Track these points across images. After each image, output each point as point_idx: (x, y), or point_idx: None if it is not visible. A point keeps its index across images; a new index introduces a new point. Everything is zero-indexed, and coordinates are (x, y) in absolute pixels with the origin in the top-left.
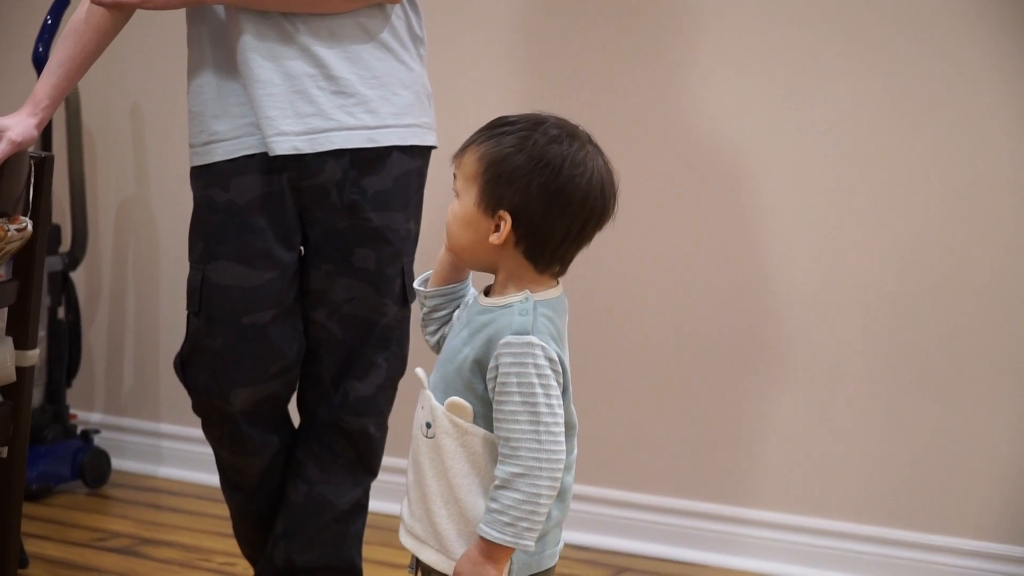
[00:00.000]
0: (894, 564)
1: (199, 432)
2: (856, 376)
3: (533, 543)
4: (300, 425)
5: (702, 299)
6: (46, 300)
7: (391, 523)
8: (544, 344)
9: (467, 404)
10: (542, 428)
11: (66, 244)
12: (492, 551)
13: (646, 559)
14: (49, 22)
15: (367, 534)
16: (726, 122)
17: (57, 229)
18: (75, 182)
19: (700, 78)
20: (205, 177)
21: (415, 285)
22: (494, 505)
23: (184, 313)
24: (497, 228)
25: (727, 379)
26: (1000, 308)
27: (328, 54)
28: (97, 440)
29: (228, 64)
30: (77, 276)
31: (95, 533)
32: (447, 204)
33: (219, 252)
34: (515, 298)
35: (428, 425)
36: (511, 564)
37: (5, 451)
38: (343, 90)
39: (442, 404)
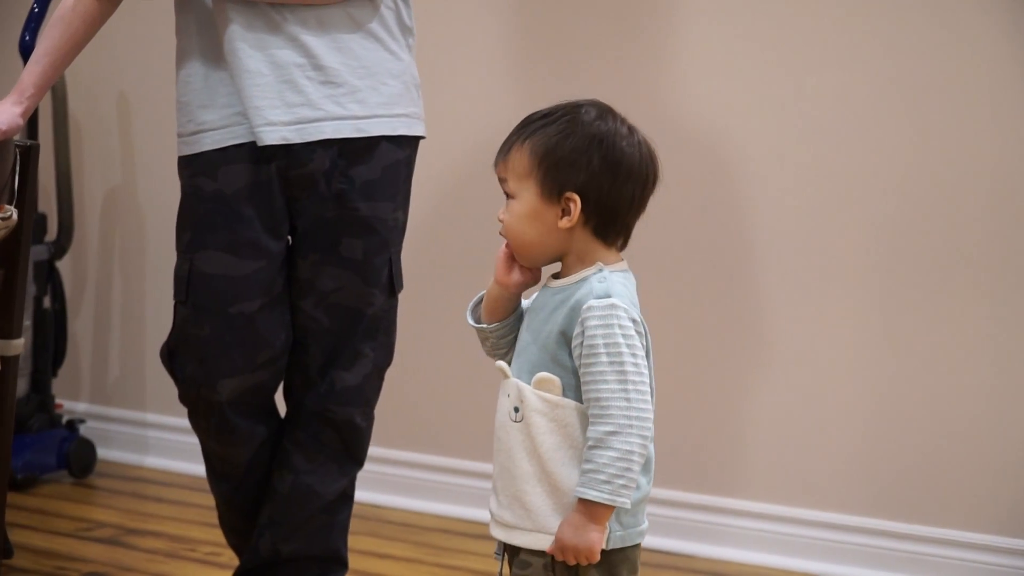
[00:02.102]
0: (882, 555)
1: (185, 422)
2: (844, 367)
3: (629, 502)
4: (287, 415)
5: (689, 290)
6: (31, 289)
7: (377, 513)
8: (626, 306)
9: (555, 377)
10: (631, 387)
11: (52, 233)
12: (592, 512)
13: None
14: (36, 10)
15: (353, 524)
16: (710, 112)
17: (43, 218)
18: (61, 171)
19: (683, 67)
20: (193, 166)
21: (469, 321)
22: (588, 466)
23: (170, 303)
24: (565, 212)
25: (714, 369)
26: (987, 302)
27: (317, 44)
28: (83, 430)
29: (216, 54)
30: (63, 265)
31: (80, 523)
32: (435, 194)
33: (207, 241)
34: (589, 271)
35: (516, 410)
36: (608, 534)
37: None
38: (332, 80)
39: (529, 385)
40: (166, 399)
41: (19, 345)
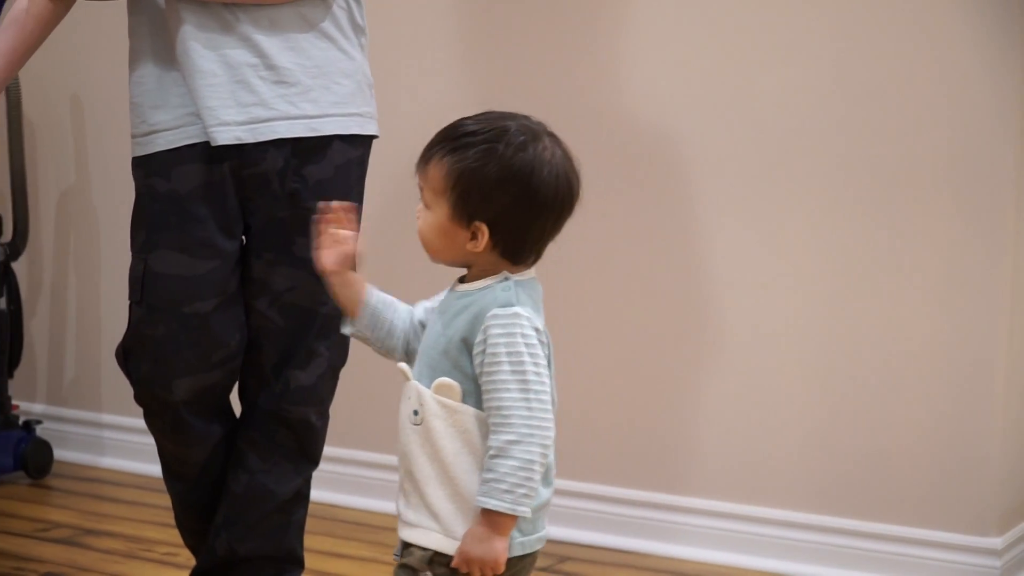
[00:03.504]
0: (830, 551)
1: (141, 423)
2: (792, 363)
3: (530, 511)
4: (241, 414)
5: (637, 286)
6: None
7: (333, 512)
8: (529, 315)
9: (455, 383)
10: (532, 396)
11: (7, 235)
12: (494, 522)
13: (587, 548)
14: None
15: (309, 523)
16: (663, 108)
17: None
18: (15, 172)
19: (635, 63)
20: (146, 167)
21: (343, 331)
22: (490, 475)
23: (126, 303)
24: (474, 236)
25: (664, 366)
26: (943, 309)
27: (269, 43)
28: (39, 430)
29: (168, 54)
30: (18, 267)
31: (37, 524)
32: (388, 193)
33: (161, 241)
34: (494, 279)
35: (415, 412)
36: (511, 542)
37: None
38: (284, 80)
39: (429, 388)
40: (122, 400)
41: None
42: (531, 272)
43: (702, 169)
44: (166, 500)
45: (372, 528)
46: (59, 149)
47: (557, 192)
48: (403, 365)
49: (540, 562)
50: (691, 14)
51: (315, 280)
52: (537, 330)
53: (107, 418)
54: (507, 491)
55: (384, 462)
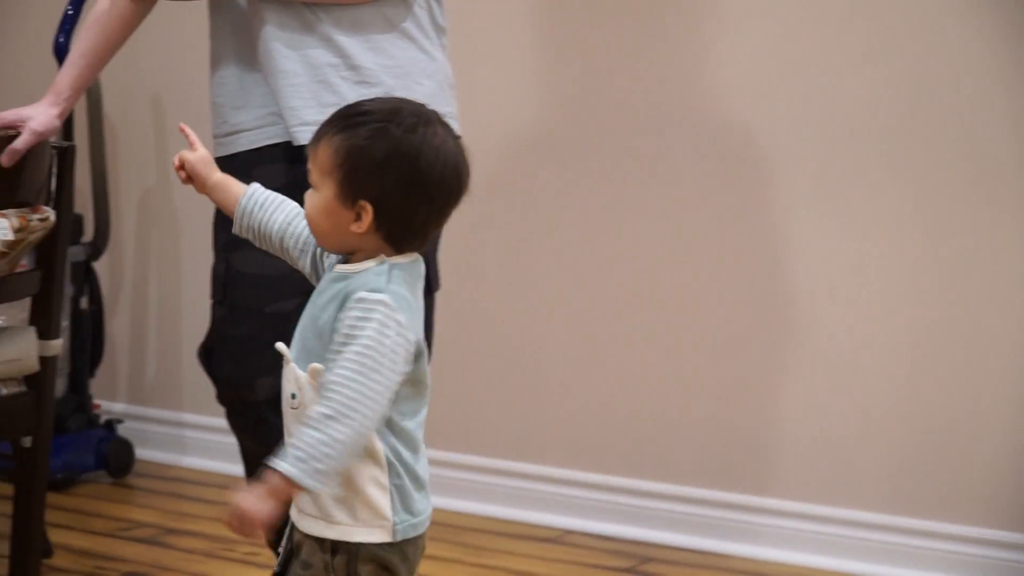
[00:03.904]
0: (916, 554)
1: (222, 421)
2: (881, 364)
3: (319, 486)
4: None
5: (723, 286)
6: (69, 290)
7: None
8: (395, 305)
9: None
10: (369, 381)
11: (88, 234)
12: (275, 485)
13: (670, 549)
14: (70, 12)
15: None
16: (746, 106)
17: (79, 219)
18: (96, 172)
19: (720, 62)
20: (228, 167)
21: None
22: (293, 440)
23: (207, 302)
24: (358, 217)
25: (750, 365)
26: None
27: (350, 43)
28: (120, 430)
29: (250, 55)
30: (100, 266)
31: (119, 523)
32: (474, 194)
33: (243, 241)
34: (371, 263)
35: (293, 396)
36: (395, 526)
37: (29, 441)
38: (365, 80)
39: (306, 372)
40: (203, 399)
41: (57, 346)
42: (412, 255)
43: (790, 165)
44: None
45: (456, 529)
46: (140, 149)
47: (444, 177)
48: (282, 346)
49: (622, 562)
50: (778, 11)
51: None
52: (399, 323)
53: (188, 417)
54: (302, 460)
55: (470, 463)
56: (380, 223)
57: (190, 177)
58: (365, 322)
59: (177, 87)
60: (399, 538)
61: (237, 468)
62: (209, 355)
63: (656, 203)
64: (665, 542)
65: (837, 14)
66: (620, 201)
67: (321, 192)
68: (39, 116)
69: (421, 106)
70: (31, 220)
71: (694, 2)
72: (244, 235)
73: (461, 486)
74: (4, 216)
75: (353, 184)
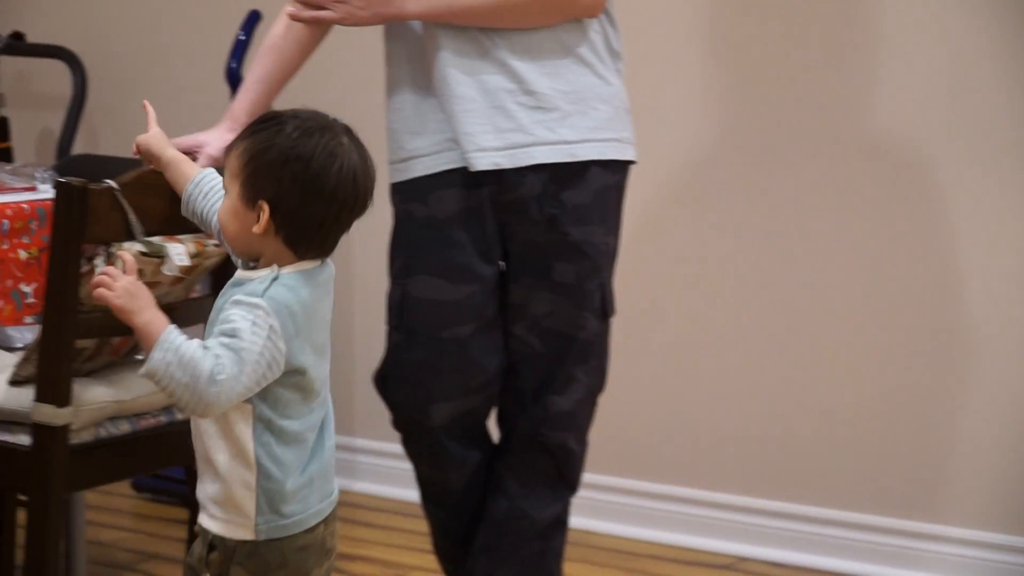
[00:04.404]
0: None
1: (395, 447)
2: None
3: (152, 370)
4: (500, 440)
5: (889, 301)
6: None
7: (590, 539)
8: (269, 310)
9: None
10: (237, 367)
11: None
12: (148, 320)
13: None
14: (242, 38)
15: (566, 550)
16: (911, 127)
17: None
18: None
19: (878, 75)
20: (404, 193)
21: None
22: (184, 336)
23: (379, 328)
24: (258, 219)
25: (920, 390)
26: None
27: (527, 69)
28: None
29: (426, 80)
30: None
31: None
32: (646, 219)
33: (419, 266)
34: (263, 272)
35: None
36: (257, 526)
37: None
38: (542, 105)
39: None
40: (376, 424)
41: None
42: (314, 264)
43: (959, 182)
44: (421, 525)
45: (629, 555)
46: None
47: (340, 185)
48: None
49: None
50: (947, 35)
51: (573, 305)
52: (272, 328)
53: (360, 442)
54: (169, 344)
55: (643, 489)
56: (279, 225)
57: (146, 157)
58: (240, 320)
59: (348, 113)
60: (262, 537)
61: (409, 493)
62: (385, 381)
63: (824, 215)
64: (841, 570)
65: (1005, 39)
66: (788, 223)
67: (229, 193)
68: (216, 142)
69: (327, 117)
70: (207, 246)
71: (860, 29)
72: (189, 218)
73: (634, 512)
74: (180, 242)
75: (254, 186)
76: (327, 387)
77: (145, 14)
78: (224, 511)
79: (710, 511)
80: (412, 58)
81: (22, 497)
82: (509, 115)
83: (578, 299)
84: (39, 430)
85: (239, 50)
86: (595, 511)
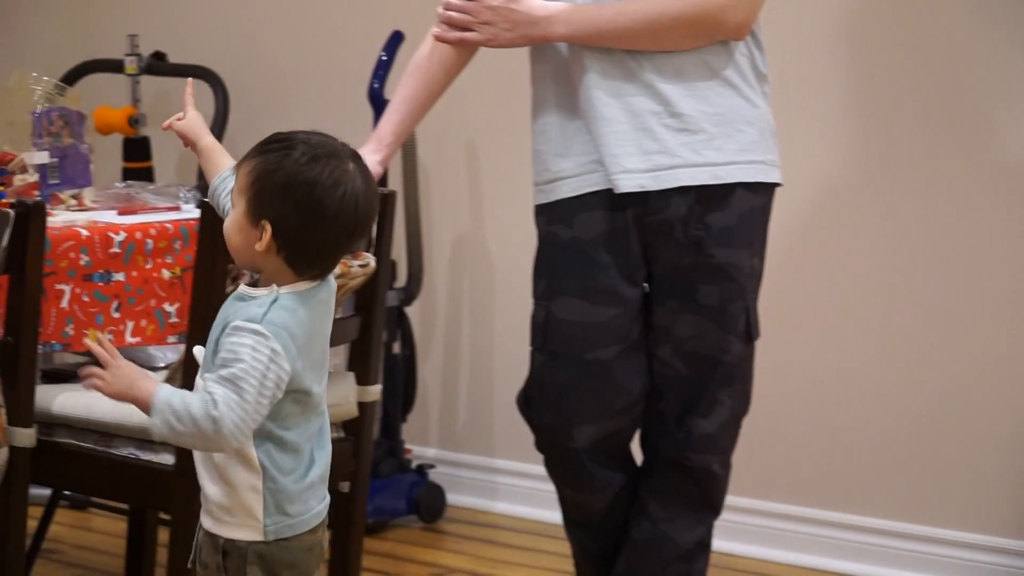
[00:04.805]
0: None
1: (536, 468)
2: None
3: (157, 431)
4: (643, 462)
5: None
6: (383, 335)
7: (733, 563)
8: (269, 334)
9: None
10: (238, 402)
11: (401, 279)
12: (142, 390)
13: None
14: (384, 58)
15: (709, 573)
16: None
17: (393, 264)
18: (410, 218)
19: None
20: (549, 214)
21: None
22: (182, 391)
23: (519, 348)
24: (261, 236)
25: None
26: None
27: (673, 91)
28: (432, 475)
29: (571, 102)
30: (412, 311)
31: (431, 568)
32: (790, 241)
33: (563, 288)
34: (263, 291)
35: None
36: (265, 527)
37: (347, 486)
38: (688, 127)
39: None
40: (515, 445)
41: (376, 391)
42: (312, 284)
43: None
44: (561, 547)
45: None
46: (453, 194)
47: (340, 212)
48: (197, 350)
49: None
50: None
51: (718, 328)
52: (273, 351)
53: (500, 463)
54: (171, 406)
55: (787, 512)
56: (280, 245)
57: (184, 141)
58: (238, 346)
59: (492, 134)
60: (271, 537)
61: (549, 514)
62: (528, 402)
63: (967, 244)
64: None
65: None
66: (932, 242)
67: (236, 209)
68: None
69: (336, 142)
70: (352, 266)
71: (1004, 60)
72: (213, 208)
73: (776, 535)
74: None
75: (258, 204)
76: (324, 399)
77: (286, 34)
78: (231, 514)
79: (853, 534)
80: (558, 79)
81: (163, 516)
82: (655, 137)
83: (723, 322)
84: (182, 449)
85: (381, 70)
86: (736, 534)
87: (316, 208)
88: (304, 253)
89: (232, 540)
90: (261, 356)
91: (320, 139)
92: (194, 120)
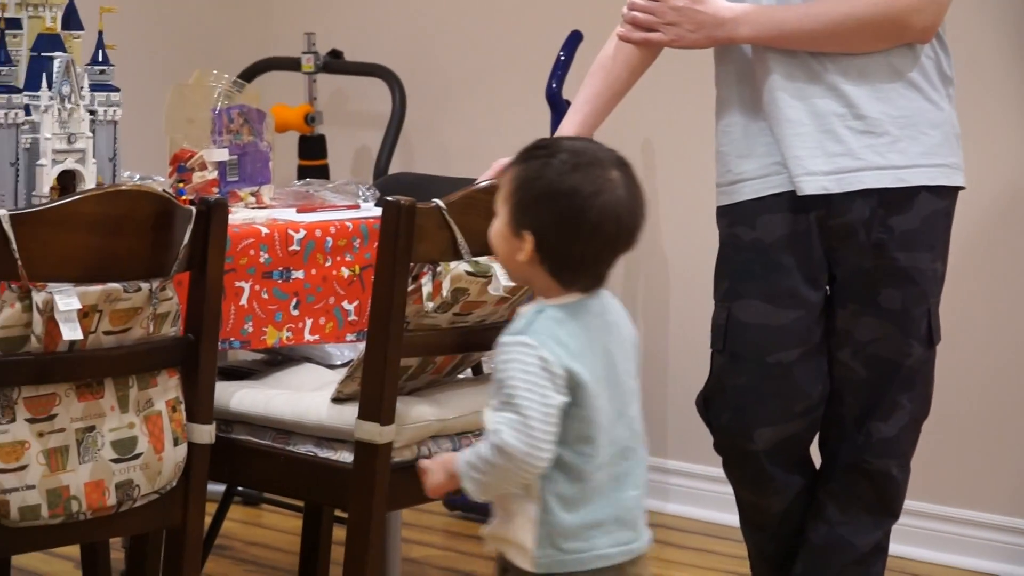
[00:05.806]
0: None
1: (709, 469)
2: None
3: (471, 489)
4: (821, 466)
5: None
6: None
7: (909, 567)
8: (535, 343)
9: None
10: (519, 420)
11: None
12: (451, 470)
13: None
14: (562, 58)
15: None
16: None
17: None
18: None
19: None
20: (731, 216)
21: None
22: (478, 444)
23: (692, 350)
24: (522, 247)
25: None
26: None
27: (857, 93)
28: None
29: (754, 103)
30: None
31: None
32: (972, 245)
33: (745, 290)
34: (530, 306)
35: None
36: (536, 559)
37: None
38: (872, 129)
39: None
40: (689, 446)
41: None
42: (573, 297)
43: None
44: (733, 548)
45: None
46: None
47: (601, 224)
48: None
49: None
50: None
51: (899, 331)
52: (543, 359)
53: (673, 464)
54: (472, 464)
55: (960, 516)
56: (542, 256)
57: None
58: (506, 363)
59: (668, 133)
60: (540, 571)
61: (721, 516)
62: (708, 404)
63: None
64: None
65: None
66: None
67: (500, 216)
68: None
69: (601, 148)
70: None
71: None
72: None
73: (952, 540)
74: None
75: (519, 214)
76: (629, 435)
77: (463, 32)
78: (510, 537)
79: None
80: (741, 81)
81: (339, 514)
82: (838, 139)
83: (905, 325)
84: (361, 447)
85: (559, 70)
86: (913, 538)
87: (576, 218)
88: (567, 264)
89: (511, 562)
90: (531, 367)
91: (584, 145)
92: None
